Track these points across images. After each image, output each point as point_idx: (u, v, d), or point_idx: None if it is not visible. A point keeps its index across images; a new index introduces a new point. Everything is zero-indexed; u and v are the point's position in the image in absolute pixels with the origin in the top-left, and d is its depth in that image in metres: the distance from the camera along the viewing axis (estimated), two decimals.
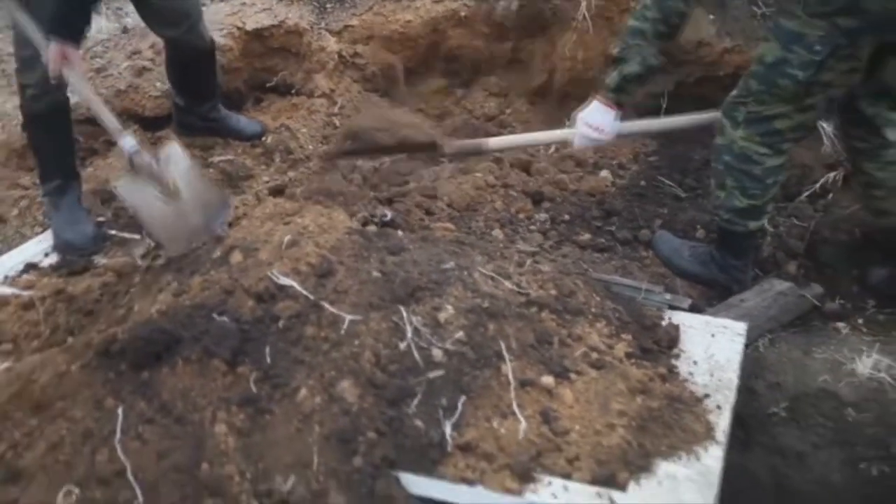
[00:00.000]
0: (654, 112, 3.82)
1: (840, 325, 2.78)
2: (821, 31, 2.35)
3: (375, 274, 2.17)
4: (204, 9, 4.23)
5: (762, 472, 2.61)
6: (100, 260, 2.88)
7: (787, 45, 2.42)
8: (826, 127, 3.23)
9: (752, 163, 2.57)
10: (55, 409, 1.97)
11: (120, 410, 1.94)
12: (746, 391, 2.58)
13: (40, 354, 2.18)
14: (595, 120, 2.81)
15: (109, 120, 2.75)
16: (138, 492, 1.79)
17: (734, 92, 2.61)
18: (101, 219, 3.19)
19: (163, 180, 2.64)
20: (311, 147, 3.76)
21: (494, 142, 3.21)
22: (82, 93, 2.84)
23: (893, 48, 2.45)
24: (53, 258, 2.93)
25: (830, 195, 3.19)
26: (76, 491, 1.81)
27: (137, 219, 2.77)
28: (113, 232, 3.09)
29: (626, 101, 2.81)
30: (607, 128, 2.80)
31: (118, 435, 1.88)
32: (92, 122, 3.71)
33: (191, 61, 3.54)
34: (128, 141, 2.68)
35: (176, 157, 2.73)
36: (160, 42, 4.01)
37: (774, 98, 2.47)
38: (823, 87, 2.44)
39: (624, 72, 2.72)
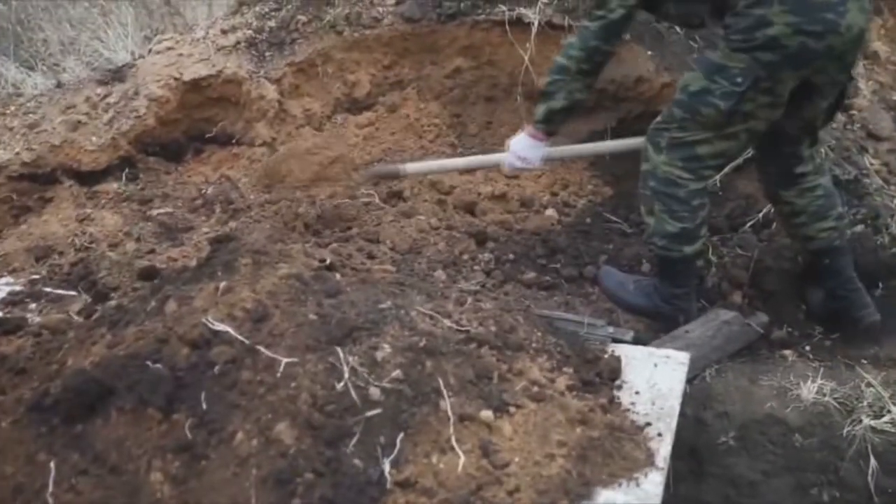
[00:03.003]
0: None
1: (787, 352, 2.91)
2: (742, 64, 2.54)
3: (312, 316, 2.25)
4: (140, 60, 4.38)
5: (716, 502, 2.70)
6: (34, 318, 2.92)
7: (710, 75, 2.61)
8: None
9: (676, 186, 2.73)
10: None
11: (52, 464, 1.98)
12: (696, 422, 2.68)
13: None
14: (523, 150, 3.11)
15: None
16: None
17: (658, 119, 2.80)
18: (35, 276, 3.24)
19: None
20: (252, 197, 3.85)
21: (412, 166, 3.49)
22: None
23: (813, 86, 2.65)
24: None
25: (774, 225, 3.34)
26: None
27: None
28: (48, 289, 3.14)
29: (553, 130, 3.05)
30: (533, 158, 3.11)
31: (50, 488, 1.93)
32: (25, 177, 3.82)
33: None
34: None
35: None
36: (95, 96, 4.12)
37: (697, 125, 2.65)
38: (744, 117, 2.61)
39: (551, 106, 2.93)
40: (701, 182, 2.75)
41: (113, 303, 2.88)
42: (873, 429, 2.50)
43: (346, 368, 2.09)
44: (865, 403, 2.56)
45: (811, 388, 2.61)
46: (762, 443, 2.61)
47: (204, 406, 2.04)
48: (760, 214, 3.35)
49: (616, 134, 3.92)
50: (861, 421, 2.51)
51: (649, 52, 3.83)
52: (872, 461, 2.49)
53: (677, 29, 3.84)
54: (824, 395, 2.59)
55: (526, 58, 4.02)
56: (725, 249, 3.24)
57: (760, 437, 2.62)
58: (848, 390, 2.61)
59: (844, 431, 2.52)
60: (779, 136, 2.82)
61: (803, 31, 2.47)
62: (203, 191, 3.92)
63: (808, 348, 2.96)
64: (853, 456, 2.51)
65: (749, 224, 3.35)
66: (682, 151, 2.71)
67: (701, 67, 2.66)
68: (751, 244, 3.23)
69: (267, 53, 4.29)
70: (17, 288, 3.14)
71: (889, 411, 2.53)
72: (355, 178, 3.52)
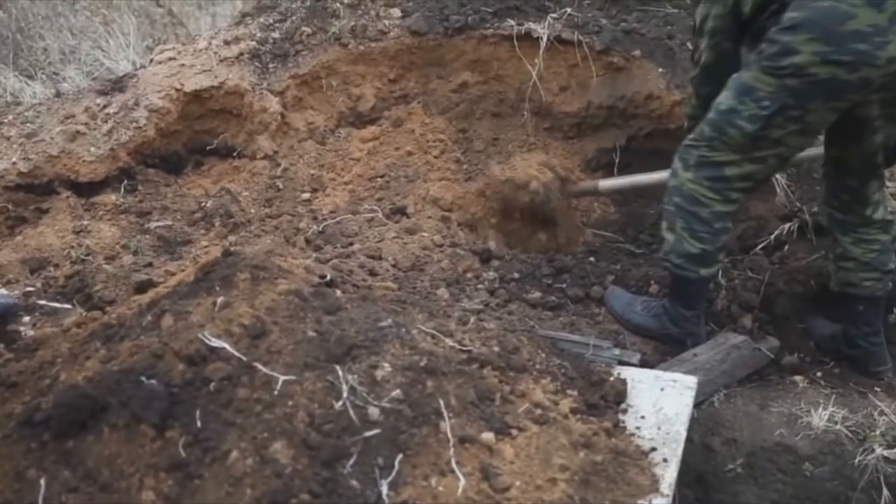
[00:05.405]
0: (608, 166, 4.01)
1: (797, 378, 2.90)
2: (770, 88, 2.50)
3: (311, 333, 2.25)
4: (141, 71, 4.40)
5: None
6: (27, 331, 2.93)
7: (739, 96, 2.59)
8: (780, 178, 3.40)
9: (700, 205, 2.71)
10: None
11: (42, 481, 1.98)
12: (703, 448, 2.68)
13: None
14: None
15: None
16: None
17: (690, 135, 2.77)
18: (29, 289, 3.25)
19: None
20: (252, 211, 3.87)
21: (605, 183, 3.64)
22: None
23: (863, 120, 2.63)
24: None
25: (786, 247, 3.34)
26: None
27: None
28: (42, 302, 3.15)
29: None
30: None
31: None
32: (21, 188, 3.83)
33: None
34: None
35: None
36: (95, 106, 4.14)
37: (724, 145, 2.63)
38: (773, 143, 2.58)
39: None
40: (727, 205, 2.72)
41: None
42: (886, 458, 2.50)
43: (344, 387, 2.10)
44: (878, 432, 2.56)
45: (822, 416, 2.61)
46: (771, 471, 2.61)
47: (199, 423, 2.04)
48: (772, 236, 3.35)
49: (626, 151, 3.96)
50: (874, 450, 2.51)
51: (660, 70, 3.85)
52: (885, 492, 2.48)
53: (689, 45, 3.85)
54: (836, 422, 2.59)
55: (534, 73, 4.04)
56: (736, 272, 3.24)
57: (769, 465, 2.61)
58: (860, 418, 2.61)
59: (856, 461, 2.51)
60: (842, 167, 2.81)
61: (832, 61, 2.39)
62: (203, 204, 3.93)
63: (819, 374, 2.95)
64: (865, 486, 2.51)
65: (760, 246, 3.35)
66: (710, 171, 2.69)
67: (732, 87, 2.63)
68: (762, 267, 3.23)
69: (270, 65, 4.31)
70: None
71: None
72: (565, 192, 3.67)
